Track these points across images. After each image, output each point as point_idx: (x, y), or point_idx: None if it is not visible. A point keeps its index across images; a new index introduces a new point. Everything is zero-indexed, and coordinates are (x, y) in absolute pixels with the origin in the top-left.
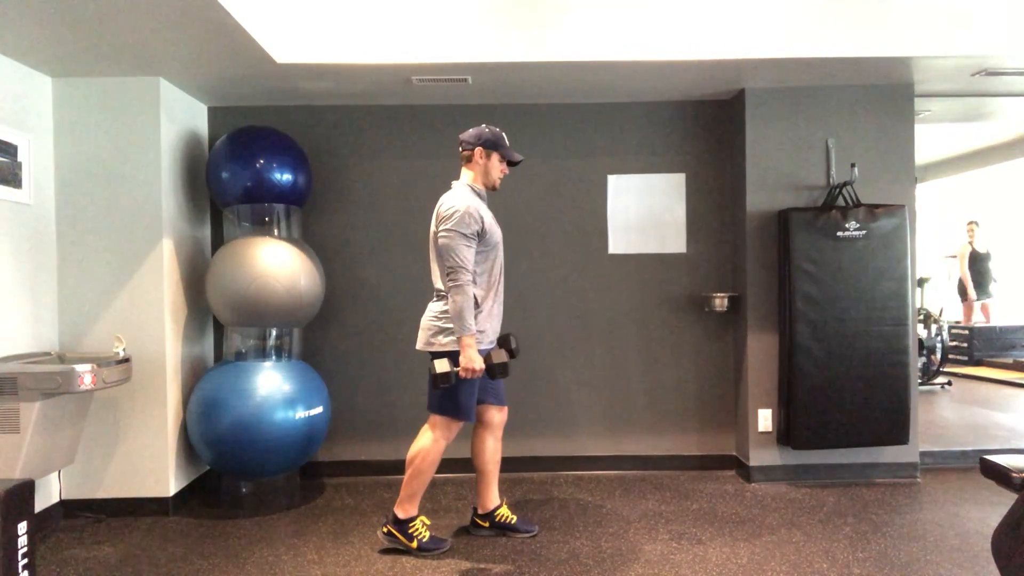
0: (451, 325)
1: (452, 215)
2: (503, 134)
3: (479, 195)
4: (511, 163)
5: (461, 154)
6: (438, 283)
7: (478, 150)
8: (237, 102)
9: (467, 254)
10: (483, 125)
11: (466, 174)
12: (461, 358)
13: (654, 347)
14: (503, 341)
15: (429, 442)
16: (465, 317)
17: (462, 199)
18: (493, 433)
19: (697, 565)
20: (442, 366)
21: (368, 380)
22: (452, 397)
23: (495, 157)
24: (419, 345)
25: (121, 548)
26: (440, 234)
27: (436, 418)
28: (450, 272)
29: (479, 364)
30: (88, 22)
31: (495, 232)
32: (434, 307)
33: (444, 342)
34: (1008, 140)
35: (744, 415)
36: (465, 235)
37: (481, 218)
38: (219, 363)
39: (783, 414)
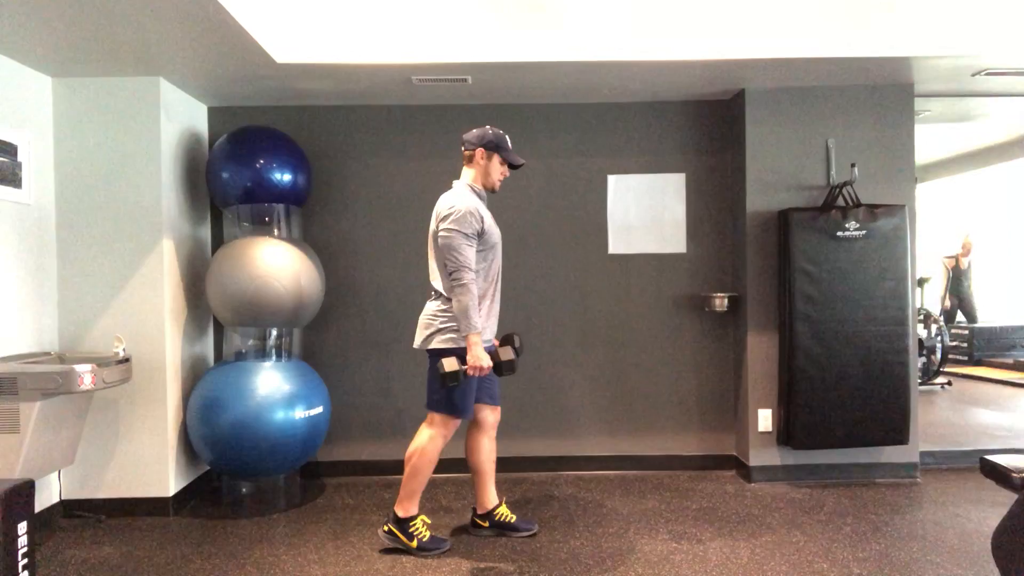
0: (447, 324)
1: (452, 214)
2: (506, 137)
3: (479, 195)
4: (512, 166)
5: (463, 153)
6: (436, 283)
7: (479, 151)
8: (237, 102)
9: (469, 253)
10: (487, 126)
11: (467, 174)
12: (468, 356)
13: (654, 347)
14: (508, 340)
15: (427, 440)
16: (471, 315)
17: (463, 199)
18: (487, 433)
19: (697, 565)
20: (451, 365)
21: (368, 380)
22: (451, 394)
23: (496, 159)
24: (417, 344)
25: (121, 548)
26: (441, 233)
27: (435, 416)
28: (453, 272)
29: (487, 362)
30: (88, 22)
31: (494, 232)
32: (431, 306)
33: (442, 340)
34: (1008, 140)
35: (744, 415)
36: (466, 234)
37: (482, 218)
38: (219, 363)
39: (783, 414)
